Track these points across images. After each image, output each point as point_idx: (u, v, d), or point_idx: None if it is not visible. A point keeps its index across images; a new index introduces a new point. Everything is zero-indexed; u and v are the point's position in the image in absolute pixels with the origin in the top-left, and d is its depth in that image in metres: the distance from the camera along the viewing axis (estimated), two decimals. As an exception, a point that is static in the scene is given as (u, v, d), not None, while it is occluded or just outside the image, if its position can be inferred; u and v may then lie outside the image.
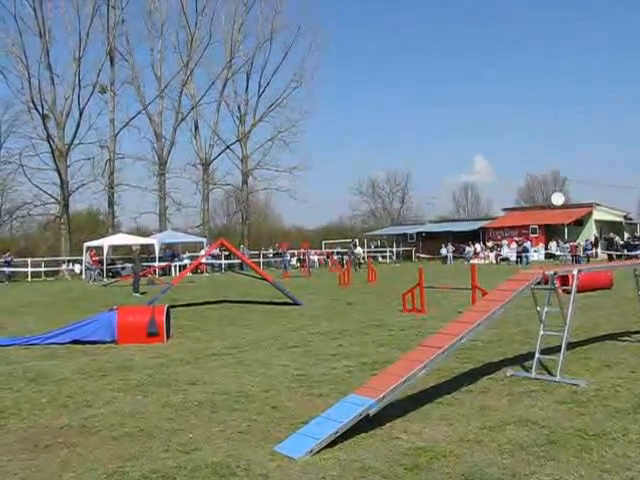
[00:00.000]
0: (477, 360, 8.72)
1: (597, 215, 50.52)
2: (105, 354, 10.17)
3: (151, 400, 7.06)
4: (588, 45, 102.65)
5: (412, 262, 51.40)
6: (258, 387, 7.51)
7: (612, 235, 44.53)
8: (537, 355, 7.78)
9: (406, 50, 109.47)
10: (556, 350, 7.75)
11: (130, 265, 34.59)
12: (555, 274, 8.04)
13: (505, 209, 60.32)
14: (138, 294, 22.57)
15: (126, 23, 50.84)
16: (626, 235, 47.95)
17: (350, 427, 5.36)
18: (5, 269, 37.98)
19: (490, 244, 50.64)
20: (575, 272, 8.06)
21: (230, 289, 24.95)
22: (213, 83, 53.85)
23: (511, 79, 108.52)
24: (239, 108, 56.19)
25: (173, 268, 39.87)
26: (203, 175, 54.14)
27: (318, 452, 5.04)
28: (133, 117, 50.98)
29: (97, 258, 38.41)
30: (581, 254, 40.88)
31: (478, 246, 50.46)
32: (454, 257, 48.35)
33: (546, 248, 47.56)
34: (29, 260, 40.39)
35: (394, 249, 58.11)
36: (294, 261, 46.57)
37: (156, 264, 37.73)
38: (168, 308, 11.83)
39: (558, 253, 44.37)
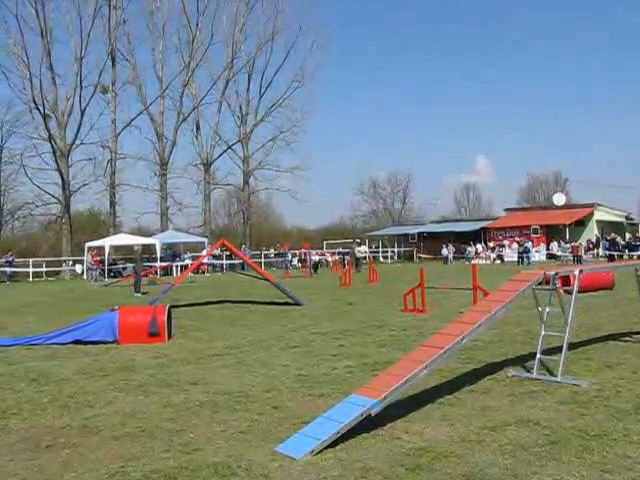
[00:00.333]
0: (478, 360, 8.71)
1: (598, 215, 50.48)
2: (106, 354, 10.18)
3: (152, 400, 7.06)
4: (588, 45, 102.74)
5: (413, 262, 51.35)
6: (259, 387, 7.52)
7: (614, 235, 44.48)
8: (538, 355, 7.78)
9: (407, 50, 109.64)
10: (557, 350, 7.74)
11: (131, 265, 34.71)
12: (556, 274, 8.04)
13: (506, 209, 60.30)
14: (139, 294, 22.59)
15: (127, 23, 50.86)
16: (627, 235, 47.89)
17: (351, 427, 5.36)
18: (6, 269, 38.00)
19: (492, 244, 50.62)
20: (576, 272, 8.05)
21: (231, 289, 24.96)
22: (214, 83, 53.89)
23: (512, 79, 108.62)
24: (240, 108, 56.21)
25: (174, 268, 39.90)
26: (204, 175, 54.13)
27: (319, 452, 5.04)
28: (135, 117, 51.01)
29: (98, 258, 38.45)
30: (583, 255, 40.81)
31: (479, 246, 50.43)
32: (455, 257, 48.31)
33: (547, 248, 47.53)
34: (30, 260, 40.40)
35: (395, 249, 58.10)
36: (295, 261, 46.57)
37: (157, 264, 37.76)
38: (169, 308, 11.83)
39: (559, 253, 44.34)
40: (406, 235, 60.10)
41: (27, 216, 53.11)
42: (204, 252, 38.19)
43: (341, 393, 6.76)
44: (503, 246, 49.06)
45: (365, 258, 38.69)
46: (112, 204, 50.42)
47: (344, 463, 4.85)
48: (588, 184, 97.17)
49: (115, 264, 40.42)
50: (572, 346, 8.70)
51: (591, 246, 45.40)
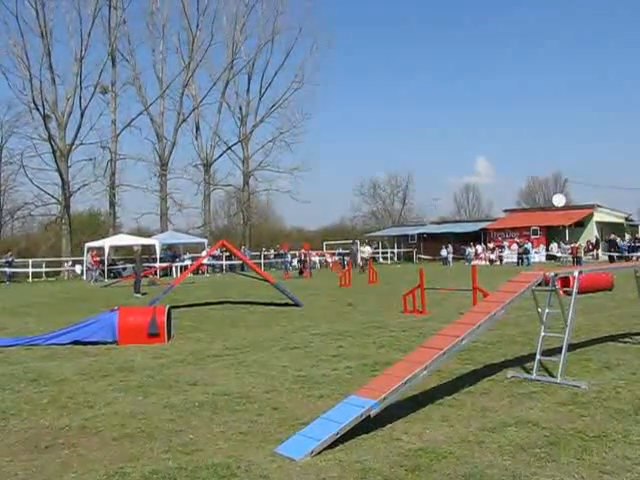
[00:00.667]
0: (478, 361, 8.72)
1: (598, 217, 50.47)
2: (106, 355, 10.18)
3: (152, 401, 7.06)
4: (589, 45, 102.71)
5: (413, 263, 51.36)
6: (259, 388, 7.52)
7: (613, 236, 44.48)
8: (538, 356, 7.78)
9: (407, 51, 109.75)
10: (557, 351, 7.75)
11: (131, 266, 34.72)
12: (556, 275, 8.05)
13: (506, 210, 60.29)
14: (139, 295, 22.58)
15: (127, 24, 50.93)
16: (627, 236, 47.89)
17: (351, 428, 5.36)
18: (6, 269, 38.00)
19: (491, 245, 50.62)
20: (576, 274, 8.06)
21: (231, 290, 24.96)
22: (214, 84, 53.92)
23: (511, 80, 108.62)
24: (240, 109, 56.26)
25: (174, 269, 39.90)
26: (204, 176, 54.16)
27: (319, 453, 5.04)
28: (134, 118, 51.04)
29: (98, 259, 38.45)
30: (583, 256, 40.80)
31: (479, 247, 50.43)
32: (455, 258, 48.30)
33: (547, 249, 47.55)
34: (30, 261, 40.39)
35: (395, 250, 58.14)
36: (295, 262, 46.57)
37: (157, 265, 37.75)
38: (169, 309, 11.83)
39: (559, 255, 44.36)
40: (406, 236, 60.14)
41: (27, 216, 53.18)
42: (204, 253, 38.19)
43: (340, 394, 6.76)
44: (502, 247, 49.06)
45: (363, 259, 38.22)
46: (112, 204, 50.44)
47: (343, 464, 4.85)
48: (589, 185, 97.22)
49: (115, 264, 40.42)
50: (571, 347, 8.70)
51: (591, 247, 45.38)
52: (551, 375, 7.55)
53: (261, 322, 14.24)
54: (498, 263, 46.19)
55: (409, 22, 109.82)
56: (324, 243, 56.08)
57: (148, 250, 41.15)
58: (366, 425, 5.56)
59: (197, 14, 52.02)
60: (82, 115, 47.52)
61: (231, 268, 42.18)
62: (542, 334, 7.87)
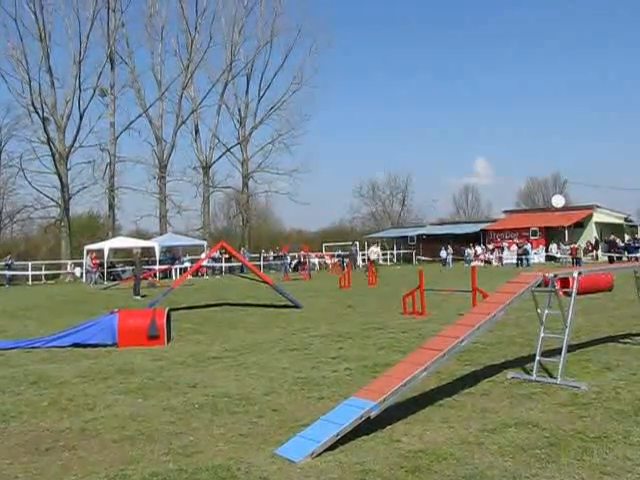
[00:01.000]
0: (478, 362, 8.72)
1: (597, 217, 50.49)
2: (106, 357, 10.18)
3: (152, 403, 7.06)
4: (589, 45, 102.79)
5: (412, 265, 51.35)
6: (259, 390, 7.52)
7: (613, 237, 44.50)
8: (538, 357, 7.78)
9: (406, 52, 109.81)
10: (557, 352, 7.75)
11: (130, 268, 34.72)
12: (555, 276, 8.05)
13: (505, 211, 60.32)
14: (139, 297, 22.58)
15: (126, 26, 50.98)
16: (627, 237, 47.91)
17: (351, 430, 5.36)
18: (6, 272, 38.00)
19: (491, 246, 50.64)
20: (575, 274, 8.06)
21: (231, 292, 24.96)
22: (213, 86, 53.99)
23: (512, 81, 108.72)
24: (239, 111, 56.31)
25: (174, 271, 39.91)
26: (203, 178, 54.17)
27: (319, 455, 5.04)
28: (133, 120, 51.11)
29: (97, 261, 38.45)
30: (582, 257, 40.80)
31: (479, 248, 50.43)
32: (454, 259, 48.29)
33: (546, 250, 47.56)
34: (29, 263, 40.40)
35: (394, 251, 58.13)
36: (294, 264, 46.60)
37: (157, 267, 37.75)
38: (169, 311, 11.83)
39: (558, 255, 44.37)
40: (405, 237, 60.17)
41: (26, 219, 53.22)
42: (203, 255, 38.21)
43: (340, 396, 6.76)
44: (502, 248, 49.07)
45: (378, 259, 37.25)
46: (111, 207, 50.45)
47: (344, 465, 4.85)
48: (588, 186, 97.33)
49: (114, 267, 40.40)
50: (571, 348, 8.70)
51: (590, 248, 45.40)
52: (551, 376, 7.55)
53: (261, 324, 14.24)
54: (496, 264, 46.17)
55: (409, 22, 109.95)
56: (323, 245, 56.09)
57: (147, 252, 41.17)
58: (366, 427, 5.56)
59: (195, 16, 52.13)
60: (81, 118, 47.62)
61: (230, 270, 42.18)
62: (542, 335, 7.88)
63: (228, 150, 55.72)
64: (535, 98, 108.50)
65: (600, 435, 5.40)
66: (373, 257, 36.89)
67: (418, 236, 58.94)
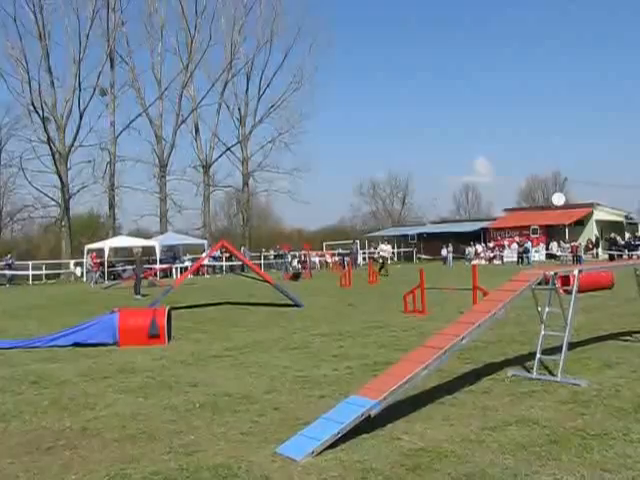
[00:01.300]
0: (478, 360, 8.72)
1: (598, 215, 50.49)
2: (106, 356, 10.19)
3: (153, 402, 7.07)
4: (588, 45, 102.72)
5: (413, 263, 51.34)
6: (260, 389, 7.52)
7: (613, 235, 44.50)
8: (538, 355, 7.78)
9: (406, 51, 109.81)
10: (557, 350, 7.74)
11: (131, 267, 34.74)
12: (556, 274, 8.05)
13: (506, 209, 60.30)
14: (139, 296, 22.58)
15: (126, 26, 50.88)
16: (627, 235, 47.91)
17: (352, 428, 5.36)
18: (6, 272, 37.99)
19: (491, 245, 50.65)
20: (576, 272, 8.06)
21: (231, 291, 24.96)
22: (213, 85, 53.89)
23: (512, 80, 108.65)
24: (239, 110, 56.23)
25: (174, 270, 39.90)
26: (204, 177, 54.14)
27: (320, 453, 5.04)
28: (133, 119, 51.04)
29: (98, 261, 38.46)
30: (582, 255, 40.80)
31: (479, 247, 50.42)
32: (455, 258, 48.27)
33: (547, 248, 47.57)
34: (30, 263, 40.38)
35: (395, 250, 58.10)
36: (295, 262, 46.58)
37: (157, 266, 37.75)
38: (169, 310, 11.84)
39: (559, 253, 44.37)
40: (406, 236, 60.18)
41: (26, 219, 53.29)
42: (204, 254, 38.21)
43: (341, 394, 6.76)
44: (503, 246, 49.08)
45: (389, 258, 35.95)
46: (111, 206, 50.41)
47: (345, 464, 4.85)
48: (587, 184, 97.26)
49: (114, 266, 40.39)
50: (572, 346, 8.70)
51: (590, 246, 45.39)
52: (551, 374, 7.56)
53: (261, 323, 14.25)
54: (497, 262, 46.18)
55: (408, 22, 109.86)
56: (324, 243, 56.09)
57: (148, 252, 41.15)
58: (367, 425, 5.56)
59: (195, 15, 52.01)
60: (81, 117, 47.54)
61: (231, 269, 42.18)
62: (542, 333, 7.88)
63: (228, 149, 55.71)
64: (535, 97, 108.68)
65: (600, 432, 5.40)
66: (384, 255, 35.87)
67: (419, 235, 58.95)
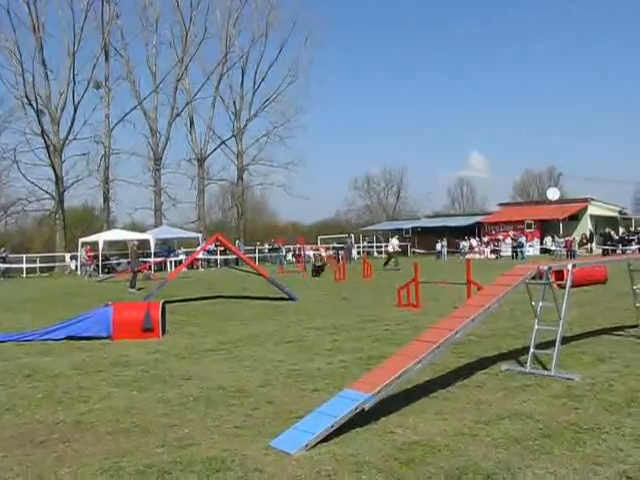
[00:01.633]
0: (472, 355, 8.74)
1: (592, 210, 50.64)
2: (100, 350, 10.17)
3: (146, 395, 7.06)
4: (583, 40, 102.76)
5: (407, 257, 51.35)
6: (254, 382, 7.53)
7: (607, 230, 44.60)
8: (532, 350, 7.80)
9: (402, 46, 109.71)
10: (551, 345, 7.76)
11: (125, 261, 34.70)
12: (550, 269, 8.07)
13: (500, 204, 60.41)
14: (134, 290, 22.55)
15: (120, 18, 50.73)
16: (621, 230, 48.04)
17: (345, 422, 5.37)
18: (0, 265, 37.91)
19: (486, 239, 50.72)
20: (569, 267, 8.08)
21: (226, 284, 24.96)
22: (208, 78, 53.83)
23: (507, 77, 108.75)
24: (234, 103, 56.16)
25: (169, 263, 39.87)
26: (198, 170, 54.08)
27: (313, 447, 5.05)
28: (128, 112, 50.99)
29: (92, 254, 38.39)
30: (576, 249, 40.88)
31: (474, 241, 50.50)
32: (449, 252, 48.32)
33: (541, 243, 47.66)
34: (24, 256, 40.28)
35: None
36: (290, 256, 46.60)
37: (152, 260, 37.71)
38: (164, 304, 11.83)
39: (553, 248, 44.46)
40: (400, 230, 60.16)
41: (20, 212, 53.01)
42: (198, 247, 38.20)
43: (335, 388, 6.77)
44: (499, 240, 49.15)
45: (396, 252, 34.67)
46: (106, 199, 50.35)
47: (338, 457, 4.86)
48: (583, 179, 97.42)
49: (108, 259, 40.32)
50: (565, 340, 8.73)
51: (585, 241, 45.49)
52: (545, 368, 7.58)
53: (255, 316, 14.25)
54: (493, 257, 46.25)
55: (405, 18, 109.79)
56: (318, 237, 56.08)
57: (142, 245, 41.10)
58: (360, 418, 5.57)
59: (190, 8, 51.91)
60: (75, 110, 47.47)
61: (225, 262, 42.17)
62: (536, 327, 7.89)
63: (223, 142, 55.66)
64: (530, 94, 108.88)
65: (593, 426, 5.42)
66: (390, 249, 34.87)
67: (413, 229, 59.04)
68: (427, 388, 6.91)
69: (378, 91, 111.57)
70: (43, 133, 45.30)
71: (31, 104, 44.79)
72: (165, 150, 52.47)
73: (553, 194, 54.64)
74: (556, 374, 7.25)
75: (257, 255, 45.35)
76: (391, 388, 5.88)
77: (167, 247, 44.79)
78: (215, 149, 55.53)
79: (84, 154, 49.28)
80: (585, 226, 49.20)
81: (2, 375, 8.34)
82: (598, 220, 50.15)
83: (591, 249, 44.88)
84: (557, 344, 7.45)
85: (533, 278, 7.87)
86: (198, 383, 7.57)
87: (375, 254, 55.80)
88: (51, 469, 4.81)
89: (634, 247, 39.76)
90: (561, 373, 7.31)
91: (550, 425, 5.49)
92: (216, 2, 53.97)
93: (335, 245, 50.31)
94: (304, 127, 78.12)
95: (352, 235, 53.44)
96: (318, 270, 30.32)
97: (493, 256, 46.74)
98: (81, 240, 39.28)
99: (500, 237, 49.76)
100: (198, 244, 42.05)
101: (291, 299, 17.31)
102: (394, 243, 34.84)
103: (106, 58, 49.73)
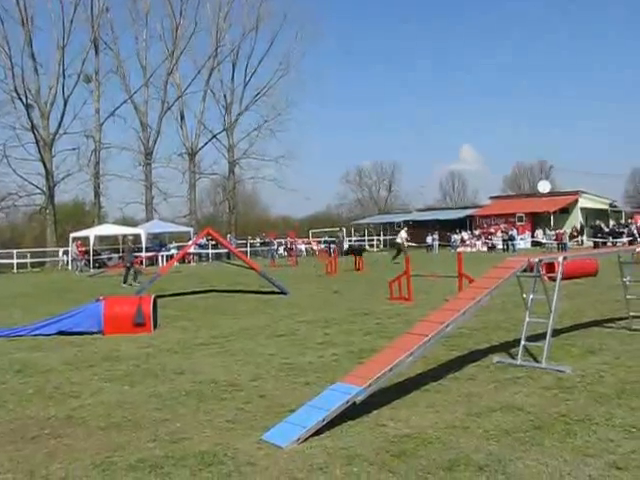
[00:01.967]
0: (463, 347, 8.76)
1: (583, 203, 50.81)
2: (92, 345, 10.15)
3: (138, 390, 7.06)
4: (572, 33, 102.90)
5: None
6: (245, 376, 7.53)
7: (598, 222, 44.75)
8: (523, 342, 7.82)
9: (393, 39, 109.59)
10: (542, 337, 7.79)
11: (116, 255, 34.61)
12: (540, 261, 8.09)
13: (492, 197, 60.50)
14: (129, 285, 22.46)
15: (110, 11, 50.53)
16: (611, 222, 48.23)
17: (337, 415, 5.37)
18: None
19: (477, 232, 50.83)
20: (560, 259, 8.11)
21: (217, 279, 24.93)
22: (199, 72, 53.75)
23: (496, 68, 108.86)
24: (225, 97, 56.16)
25: (160, 258, 39.79)
26: (189, 165, 53.99)
27: (305, 440, 5.06)
28: (118, 106, 50.85)
29: (83, 249, 38.29)
30: (567, 242, 41.00)
31: (465, 234, 50.60)
32: (441, 245, 48.39)
33: (532, 236, 47.79)
34: (15, 251, 40.14)
35: (381, 237, 58.16)
36: (281, 250, 46.57)
37: (143, 254, 37.63)
38: (155, 298, 11.81)
39: (544, 241, 44.59)
40: (392, 223, 60.26)
41: (11, 207, 52.73)
42: (190, 242, 38.13)
43: (327, 381, 6.76)
44: (491, 234, 49.24)
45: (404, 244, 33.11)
46: (96, 194, 50.24)
47: (330, 450, 4.87)
48: (574, 172, 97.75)
49: (99, 254, 40.22)
50: (556, 332, 8.76)
51: (575, 233, 45.65)
52: (536, 360, 7.60)
53: (247, 310, 14.24)
54: (484, 250, 46.35)
55: (395, 11, 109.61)
56: (310, 231, 56.08)
57: (134, 240, 40.98)
58: (352, 412, 5.58)
59: (180, 1, 51.81)
60: (65, 104, 47.35)
61: (217, 257, 42.12)
62: (527, 320, 7.91)
63: (214, 136, 55.62)
64: (521, 86, 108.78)
65: (583, 418, 5.45)
66: (399, 241, 33.21)
67: (405, 222, 59.02)
68: (419, 381, 6.92)
69: (370, 84, 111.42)
70: (33, 128, 45.10)
71: (20, 98, 44.60)
72: (156, 144, 52.50)
73: (544, 187, 54.78)
74: (547, 366, 7.28)
75: (249, 249, 45.29)
76: (383, 381, 5.89)
77: (158, 242, 44.69)
78: (206, 143, 55.59)
79: (74, 149, 49.18)
80: (576, 219, 49.34)
81: (-7, 371, 8.32)
82: (589, 213, 50.30)
83: (582, 242, 45.01)
84: (548, 336, 7.48)
85: (524, 271, 7.89)
86: (190, 377, 7.56)
87: (367, 247, 55.73)
88: (42, 464, 4.80)
89: (624, 239, 39.88)
90: (552, 365, 7.34)
91: (541, 417, 5.52)
92: (207, -5, 53.80)
93: (327, 239, 50.27)
94: (294, 119, 77.80)
95: (344, 229, 53.46)
96: (354, 253, 29.03)
97: (484, 249, 46.82)
98: (72, 235, 39.14)
99: (492, 230, 49.83)
100: (189, 238, 41.98)
101: (283, 293, 17.31)
102: (402, 235, 33.08)
103: (96, 52, 49.54)
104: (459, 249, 42.98)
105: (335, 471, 4.48)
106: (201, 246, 41.16)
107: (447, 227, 52.47)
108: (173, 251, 40.70)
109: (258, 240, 49.70)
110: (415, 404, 6.08)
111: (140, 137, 52.14)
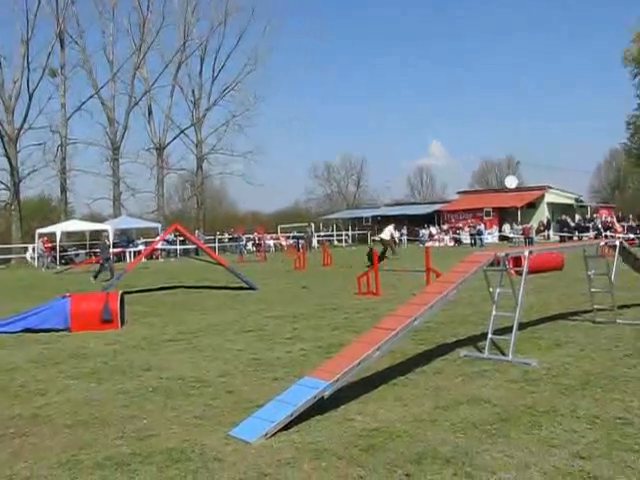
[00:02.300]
0: (431, 341, 8.82)
1: (549, 198, 51.36)
2: (58, 342, 10.05)
3: (105, 387, 7.00)
4: (545, 27, 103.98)
5: (367, 245, 51.52)
6: (213, 372, 7.50)
7: (564, 217, 45.28)
8: (490, 336, 7.90)
9: (360, 35, 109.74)
10: (508, 330, 7.87)
11: (83, 252, 34.25)
12: (507, 256, 8.17)
13: (459, 192, 60.89)
14: (100, 281, 22.16)
15: (76, 5, 49.76)
16: (577, 217, 48.84)
17: (305, 410, 5.39)
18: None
19: (445, 227, 51.17)
20: (526, 253, 8.19)
21: (185, 274, 24.79)
22: (167, 66, 53.19)
23: (464, 62, 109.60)
24: (193, 92, 55.63)
25: (127, 254, 39.46)
26: (157, 160, 53.54)
27: (273, 435, 5.05)
28: (85, 101, 50.10)
29: (50, 245, 37.83)
30: (534, 237, 41.45)
31: (433, 229, 50.91)
32: (409, 240, 48.62)
33: (500, 230, 48.23)
34: (-22, 248, 39.53)
35: (349, 232, 58.26)
36: (250, 246, 46.46)
37: (111, 250, 37.25)
38: (122, 294, 11.72)
39: (512, 235, 45.02)
40: (360, 218, 60.43)
41: (-26, 203, 51.91)
42: (157, 237, 37.87)
43: (295, 376, 6.77)
44: (459, 228, 49.60)
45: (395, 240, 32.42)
46: (63, 190, 49.56)
47: (298, 445, 4.87)
48: (540, 167, 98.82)
49: (66, 251, 39.77)
50: (523, 326, 8.87)
51: (542, 228, 46.15)
52: (503, 353, 7.68)
53: (215, 306, 14.20)
54: (452, 245, 46.68)
55: (362, 4, 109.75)
56: (278, 226, 56.00)
57: (101, 236, 40.61)
58: (320, 406, 5.59)
59: (148, -5, 51.15)
60: (30, 98, 46.46)
61: (185, 252, 41.89)
62: (494, 313, 7.99)
63: (182, 132, 55.14)
64: (489, 81, 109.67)
65: (549, 409, 5.52)
66: (384, 236, 30.61)
67: (373, 217, 59.24)
68: (386, 375, 6.96)
69: (336, 80, 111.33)
70: (-3, 122, 44.36)
71: (-17, 92, 43.83)
72: (123, 139, 51.82)
73: (511, 182, 55.28)
74: (513, 359, 7.36)
75: (217, 245, 45.09)
76: (350, 376, 5.90)
77: (126, 237, 44.29)
78: (174, 138, 55.07)
79: (40, 144, 48.34)
80: (543, 213, 49.86)
81: (-44, 369, 8.19)
82: (555, 208, 50.86)
83: (548, 236, 45.52)
84: (514, 330, 7.56)
85: (491, 265, 7.96)
86: (157, 374, 7.52)
87: (335, 243, 55.84)
88: (6, 464, 4.74)
89: (590, 234, 40.42)
90: (518, 358, 7.42)
91: (507, 409, 5.58)
92: (174, -11, 53.30)
93: (295, 234, 50.25)
94: (262, 114, 77.51)
95: (312, 224, 53.46)
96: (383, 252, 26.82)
97: (452, 244, 47.14)
98: (38, 231, 38.63)
99: (460, 225, 50.20)
100: (157, 234, 41.66)
101: (251, 288, 17.27)
102: (390, 230, 31.30)
103: (61, 46, 48.77)
104: (427, 244, 43.19)
105: (303, 466, 4.48)
106: (169, 242, 40.92)
107: (415, 222, 52.71)
108: (141, 247, 40.40)
109: (226, 236, 49.49)
110: (383, 398, 6.11)
111: (107, 132, 51.53)
